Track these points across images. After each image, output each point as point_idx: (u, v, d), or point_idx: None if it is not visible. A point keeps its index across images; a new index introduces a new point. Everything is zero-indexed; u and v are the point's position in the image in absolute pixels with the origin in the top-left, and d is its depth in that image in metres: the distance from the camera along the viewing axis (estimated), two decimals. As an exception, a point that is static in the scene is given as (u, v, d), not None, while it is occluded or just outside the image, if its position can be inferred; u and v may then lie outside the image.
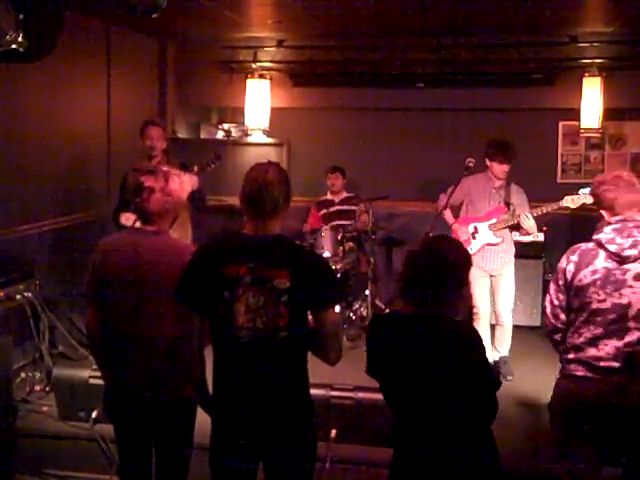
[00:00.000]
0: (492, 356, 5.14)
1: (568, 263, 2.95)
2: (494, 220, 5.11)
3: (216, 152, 5.23)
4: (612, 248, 2.86)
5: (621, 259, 2.84)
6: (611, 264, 2.86)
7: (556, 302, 2.99)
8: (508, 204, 5.11)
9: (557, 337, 3.04)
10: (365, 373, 2.63)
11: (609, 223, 2.93)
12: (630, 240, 2.84)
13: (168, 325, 2.88)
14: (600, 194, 3.03)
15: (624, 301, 2.83)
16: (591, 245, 2.94)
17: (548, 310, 3.03)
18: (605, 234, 2.90)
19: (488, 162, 5.15)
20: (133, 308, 2.91)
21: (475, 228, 5.13)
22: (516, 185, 5.21)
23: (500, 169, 5.09)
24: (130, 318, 2.92)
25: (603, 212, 3.03)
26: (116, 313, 2.95)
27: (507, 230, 5.16)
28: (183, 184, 3.04)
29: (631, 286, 2.83)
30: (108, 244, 3.06)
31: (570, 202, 4.91)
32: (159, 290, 2.87)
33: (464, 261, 2.55)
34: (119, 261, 2.95)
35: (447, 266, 2.48)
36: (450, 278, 2.48)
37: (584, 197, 4.91)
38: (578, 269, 2.91)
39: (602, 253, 2.89)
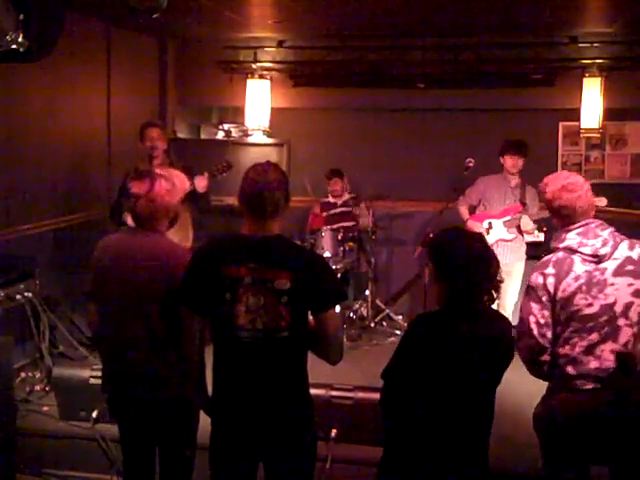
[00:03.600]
0: None
1: (545, 277, 2.85)
2: (509, 217, 5.19)
3: (227, 160, 5.12)
4: (587, 250, 2.81)
5: (598, 259, 2.81)
6: (589, 266, 2.82)
7: (542, 321, 2.85)
8: (524, 203, 5.17)
9: (545, 357, 2.89)
10: (382, 377, 2.57)
11: (568, 230, 2.88)
12: (600, 239, 2.82)
13: (163, 325, 2.88)
14: (558, 209, 2.92)
15: (610, 300, 2.80)
16: (561, 254, 2.87)
17: (535, 332, 2.85)
18: (572, 240, 2.85)
19: (501, 159, 5.24)
20: (128, 307, 2.91)
21: (490, 224, 5.20)
22: (531, 187, 5.25)
23: (511, 162, 5.17)
24: (125, 318, 2.93)
25: (556, 221, 2.96)
26: (113, 312, 2.96)
27: None
28: (174, 186, 3.01)
29: (612, 283, 2.81)
30: (106, 244, 3.08)
31: None
32: (153, 290, 2.87)
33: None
34: (114, 261, 2.96)
35: (494, 259, 2.53)
36: (495, 272, 2.53)
37: (598, 200, 4.94)
38: (559, 280, 2.82)
39: (577, 258, 2.83)
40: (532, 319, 2.86)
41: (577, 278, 2.81)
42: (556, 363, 2.89)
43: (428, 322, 2.57)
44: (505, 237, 5.17)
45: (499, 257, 5.40)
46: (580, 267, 2.82)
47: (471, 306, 2.51)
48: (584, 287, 2.81)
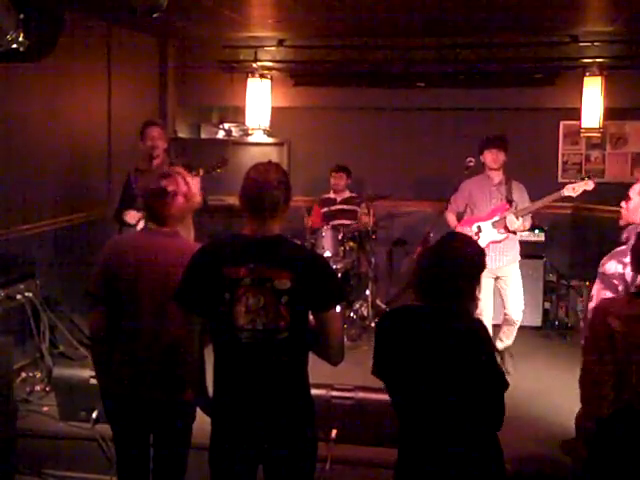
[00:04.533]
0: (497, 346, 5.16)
1: (625, 266, 2.79)
2: (497, 217, 5.09)
3: (223, 156, 5.12)
4: None
5: None
6: None
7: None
8: (510, 201, 5.10)
9: None
10: (371, 374, 2.57)
11: None
12: None
13: (176, 325, 2.86)
14: None
15: None
16: None
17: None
18: None
19: (482, 158, 5.16)
20: (148, 308, 2.90)
21: (479, 227, 5.12)
22: (517, 182, 5.21)
23: (491, 157, 5.09)
24: (144, 318, 2.91)
25: None
26: (130, 313, 2.94)
27: None
28: (197, 185, 3.08)
29: None
30: (124, 244, 3.05)
31: (571, 191, 4.87)
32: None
33: (480, 257, 2.55)
34: (138, 262, 2.92)
35: (466, 261, 2.48)
36: (469, 273, 2.48)
37: (584, 184, 4.86)
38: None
39: None
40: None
41: None
42: None
43: (389, 316, 2.63)
44: (496, 238, 5.08)
45: (492, 261, 5.25)
46: None
47: (433, 305, 2.47)
48: None
